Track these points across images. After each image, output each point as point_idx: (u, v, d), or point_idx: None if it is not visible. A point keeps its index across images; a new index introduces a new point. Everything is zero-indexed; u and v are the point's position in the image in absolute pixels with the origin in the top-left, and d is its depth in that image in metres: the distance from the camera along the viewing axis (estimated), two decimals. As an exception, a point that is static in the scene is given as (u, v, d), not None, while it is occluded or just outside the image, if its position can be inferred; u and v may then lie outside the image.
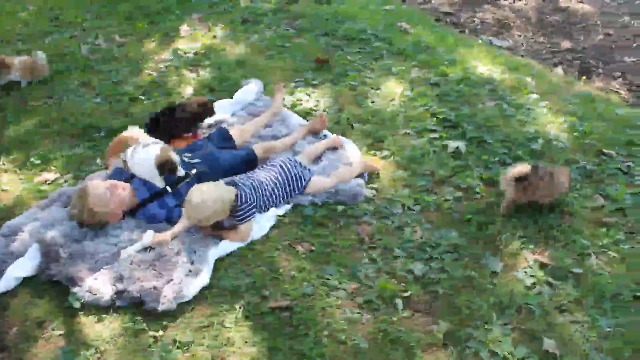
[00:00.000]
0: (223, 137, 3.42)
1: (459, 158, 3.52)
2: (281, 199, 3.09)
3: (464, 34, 5.71)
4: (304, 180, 3.13)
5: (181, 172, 3.01)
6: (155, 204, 3.00)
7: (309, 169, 3.22)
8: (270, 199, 3.04)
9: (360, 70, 4.46)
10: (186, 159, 3.12)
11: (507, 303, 2.64)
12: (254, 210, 2.90)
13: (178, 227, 2.87)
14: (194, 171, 3.09)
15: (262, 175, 3.09)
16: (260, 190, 2.99)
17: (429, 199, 3.20)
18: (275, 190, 3.05)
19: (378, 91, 4.18)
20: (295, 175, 3.12)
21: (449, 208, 3.17)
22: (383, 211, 3.10)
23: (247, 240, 2.88)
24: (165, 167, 2.98)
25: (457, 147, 3.57)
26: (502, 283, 2.75)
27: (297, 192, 3.13)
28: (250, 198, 2.89)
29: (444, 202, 3.20)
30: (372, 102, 4.06)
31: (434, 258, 2.85)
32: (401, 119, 3.85)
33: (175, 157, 2.99)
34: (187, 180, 3.06)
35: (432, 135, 3.70)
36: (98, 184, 2.91)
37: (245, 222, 2.87)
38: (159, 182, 3.00)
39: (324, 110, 3.93)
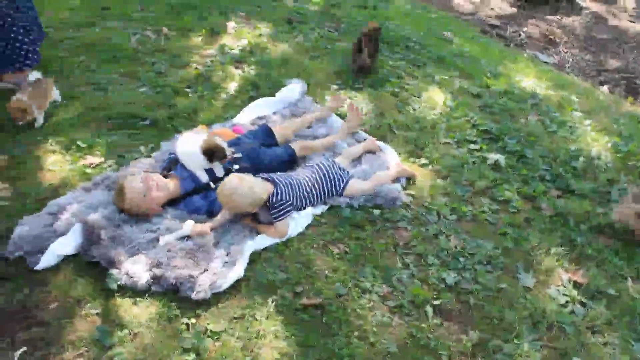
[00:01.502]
0: (266, 134, 3.46)
1: (498, 171, 3.51)
2: (318, 199, 3.12)
3: (509, 47, 5.68)
4: (342, 182, 3.15)
5: (229, 152, 3.06)
6: (198, 196, 3.05)
7: (347, 172, 3.24)
8: (307, 199, 3.07)
9: (402, 76, 4.47)
10: (231, 155, 3.17)
11: (538, 319, 2.63)
12: (291, 208, 2.95)
13: (218, 219, 2.92)
14: (236, 167, 3.14)
15: (301, 174, 3.12)
16: (297, 189, 3.02)
17: (466, 209, 3.20)
18: (313, 190, 3.08)
19: (420, 99, 4.19)
20: (334, 177, 3.15)
21: (485, 220, 3.17)
22: (419, 218, 3.11)
23: (284, 237, 2.92)
24: (211, 153, 3.03)
25: (497, 160, 3.56)
26: (534, 299, 2.74)
27: (334, 193, 3.16)
28: (286, 196, 2.92)
29: (481, 214, 3.19)
30: (414, 109, 4.07)
31: (467, 268, 2.85)
32: (442, 128, 3.86)
33: (222, 142, 3.04)
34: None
35: (472, 146, 3.69)
36: (134, 186, 2.95)
37: (281, 219, 2.91)
38: (202, 176, 3.05)
39: (364, 115, 3.94)
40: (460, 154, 3.61)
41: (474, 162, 3.55)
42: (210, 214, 3.02)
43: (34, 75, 3.88)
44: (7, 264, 2.76)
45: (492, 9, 6.65)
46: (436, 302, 2.65)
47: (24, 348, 2.40)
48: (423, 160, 3.54)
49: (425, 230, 3.04)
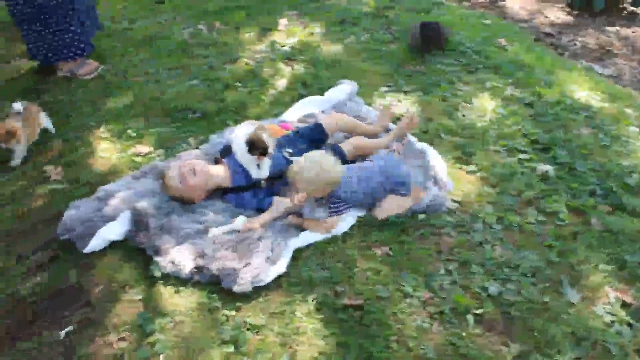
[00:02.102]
0: (319, 131, 3.44)
1: (547, 182, 3.43)
2: (374, 200, 3.07)
3: (564, 56, 5.56)
4: (404, 186, 3.10)
5: (271, 147, 3.07)
6: (248, 193, 3.08)
7: (409, 174, 3.17)
8: (367, 197, 3.02)
9: (453, 82, 4.42)
10: (286, 155, 3.19)
11: (582, 336, 2.56)
12: (350, 205, 2.94)
13: (267, 216, 2.93)
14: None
15: (368, 170, 3.06)
16: (358, 185, 2.98)
17: (512, 219, 3.14)
18: (375, 191, 3.04)
19: (470, 105, 4.13)
20: (398, 179, 3.08)
21: (532, 231, 3.10)
22: (465, 225, 3.07)
23: (330, 233, 2.91)
24: (254, 145, 3.05)
25: (547, 171, 3.48)
26: (579, 315, 2.66)
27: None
28: (348, 191, 2.91)
29: (527, 225, 3.13)
30: (463, 115, 4.02)
31: (511, 279, 2.79)
32: (491, 135, 3.80)
33: (266, 139, 3.05)
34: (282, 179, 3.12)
35: (522, 155, 3.62)
36: (171, 173, 3.02)
37: (336, 215, 2.89)
38: (253, 171, 3.08)
39: (413, 118, 3.92)
40: (510, 163, 3.55)
41: (522, 172, 3.48)
42: (258, 209, 3.04)
43: (20, 104, 3.55)
44: (57, 245, 2.84)
45: (547, 16, 6.53)
46: (478, 312, 2.61)
47: (71, 327, 2.46)
48: (471, 167, 3.49)
49: (470, 238, 3.00)
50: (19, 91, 4.10)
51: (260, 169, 3.12)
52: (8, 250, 2.85)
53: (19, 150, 3.45)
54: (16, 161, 3.45)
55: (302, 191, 2.88)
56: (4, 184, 3.27)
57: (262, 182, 3.11)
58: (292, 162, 3.15)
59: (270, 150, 3.09)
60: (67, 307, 2.56)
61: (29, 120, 3.50)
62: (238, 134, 3.14)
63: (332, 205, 2.89)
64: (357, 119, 3.68)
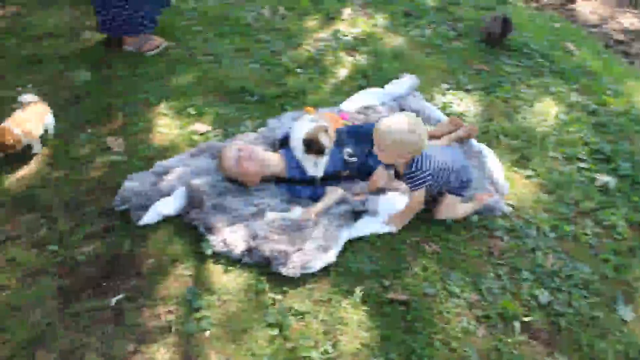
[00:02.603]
0: None
1: (606, 194, 3.34)
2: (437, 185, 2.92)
3: (634, 65, 5.37)
4: (467, 178, 2.98)
5: (328, 147, 3.07)
6: (302, 186, 3.10)
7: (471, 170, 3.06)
8: (438, 181, 2.89)
9: (516, 83, 4.33)
10: (346, 157, 3.18)
11: (634, 355, 2.49)
12: (430, 177, 2.80)
13: (322, 204, 2.94)
14: (346, 173, 3.16)
15: (447, 155, 2.94)
16: (432, 164, 2.81)
17: (568, 228, 3.07)
18: (442, 173, 2.88)
19: (531, 108, 4.04)
20: (462, 168, 2.96)
21: (587, 242, 3.03)
22: (518, 230, 3.01)
23: (416, 210, 2.92)
24: (311, 145, 3.06)
25: (607, 182, 3.39)
26: (631, 333, 2.60)
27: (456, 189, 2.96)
28: (426, 165, 2.76)
29: (583, 235, 3.06)
30: (524, 118, 3.93)
31: (562, 289, 2.74)
32: (551, 141, 3.71)
33: (324, 140, 3.05)
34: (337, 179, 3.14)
35: (582, 164, 3.53)
36: (228, 153, 3.04)
37: (418, 189, 2.79)
38: (310, 169, 3.09)
39: (473, 117, 3.86)
40: (568, 171, 3.46)
41: (581, 181, 3.39)
42: (312, 198, 3.05)
43: (28, 97, 3.38)
44: (113, 215, 2.92)
45: (619, 23, 6.31)
46: (525, 319, 2.57)
47: (121, 295, 2.53)
48: (528, 172, 3.42)
49: (522, 244, 2.94)
50: (87, 62, 4.21)
51: (317, 167, 3.12)
52: (67, 216, 2.94)
53: (36, 145, 3.34)
54: (36, 150, 3.34)
55: (384, 154, 2.76)
56: (67, 151, 3.37)
57: (317, 180, 3.10)
58: (350, 163, 3.14)
59: (327, 151, 3.08)
60: (119, 276, 2.63)
61: (28, 117, 3.29)
62: (297, 130, 3.15)
63: (409, 179, 2.78)
64: (417, 115, 3.63)
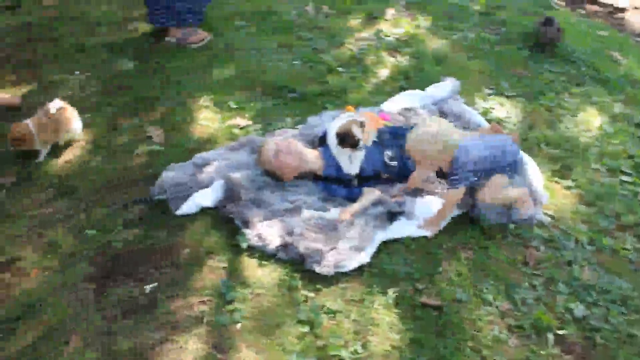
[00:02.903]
0: None
1: (649, 208, 3.27)
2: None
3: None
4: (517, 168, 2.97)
5: (362, 140, 3.06)
6: (339, 186, 3.10)
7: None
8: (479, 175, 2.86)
9: (559, 92, 4.26)
10: (387, 160, 3.16)
11: (672, 377, 2.44)
12: (471, 175, 2.83)
13: (359, 205, 2.94)
14: (386, 176, 3.15)
15: (487, 142, 2.92)
16: (480, 152, 2.84)
17: (607, 241, 3.01)
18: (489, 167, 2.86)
19: (574, 118, 3.97)
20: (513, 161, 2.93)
21: (626, 257, 2.96)
22: (555, 241, 2.96)
23: (451, 211, 2.94)
24: (344, 138, 3.05)
25: (651, 197, 3.32)
26: (670, 353, 2.53)
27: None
28: (469, 159, 2.80)
29: (622, 250, 2.99)
30: (566, 127, 3.86)
31: (598, 304, 2.68)
32: (593, 152, 3.64)
33: (358, 134, 3.04)
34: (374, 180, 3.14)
35: (625, 177, 3.46)
36: (268, 145, 3.06)
37: (460, 186, 2.82)
38: (345, 165, 3.08)
39: (513, 124, 3.81)
40: (610, 183, 3.39)
41: (624, 195, 3.32)
42: (349, 198, 3.05)
43: (56, 104, 3.31)
44: (152, 203, 2.97)
45: (669, 33, 6.15)
46: (559, 332, 2.52)
47: (156, 284, 2.57)
48: (568, 182, 3.36)
49: (559, 255, 2.90)
50: (132, 52, 4.28)
51: (352, 164, 3.11)
52: (107, 202, 3.00)
53: (42, 152, 3.27)
54: (40, 158, 3.26)
55: (420, 164, 2.87)
56: (109, 139, 3.43)
57: (354, 180, 3.10)
58: (390, 166, 3.14)
59: (361, 145, 3.07)
60: (154, 265, 2.67)
61: (51, 124, 3.24)
62: (333, 127, 3.15)
63: (453, 176, 2.81)
64: (459, 119, 3.62)
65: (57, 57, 4.20)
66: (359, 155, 3.12)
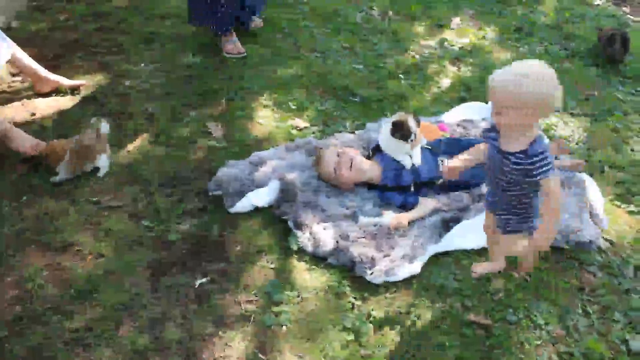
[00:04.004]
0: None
1: None
2: None
3: None
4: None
5: (418, 134, 3.04)
6: (395, 193, 3.08)
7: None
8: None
9: (628, 112, 4.11)
10: (441, 168, 3.12)
11: None
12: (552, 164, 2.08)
13: (415, 213, 2.92)
14: (440, 181, 3.12)
15: None
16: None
17: (669, 272, 2.89)
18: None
19: (642, 140, 3.83)
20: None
21: (688, 290, 2.84)
22: (613, 267, 2.86)
23: (558, 209, 2.14)
24: (397, 126, 3.01)
25: None
26: None
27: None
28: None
29: (686, 283, 2.87)
30: (632, 150, 3.73)
31: (656, 338, 2.58)
32: (660, 177, 3.50)
33: (412, 125, 3.00)
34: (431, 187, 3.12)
35: (694, 207, 3.31)
36: (329, 158, 3.06)
37: (547, 176, 2.06)
38: (405, 161, 3.06)
39: (576, 144, 3.70)
40: (677, 212, 3.26)
41: (691, 225, 3.19)
42: (404, 206, 3.03)
43: (103, 127, 3.17)
44: (207, 198, 3.01)
45: None
46: (612, 364, 2.45)
47: (207, 278, 2.61)
48: (631, 208, 3.24)
49: (617, 283, 2.79)
50: (198, 46, 4.36)
51: (406, 156, 3.08)
52: (164, 193, 3.06)
53: (62, 171, 3.09)
54: (54, 178, 3.08)
55: (500, 113, 2.06)
56: (171, 131, 3.50)
57: (412, 187, 3.07)
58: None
59: (412, 137, 3.01)
60: (207, 258, 2.72)
61: (83, 152, 3.10)
62: (385, 127, 3.14)
63: (537, 161, 2.05)
64: None
65: (125, 48, 4.31)
66: (414, 150, 3.09)
